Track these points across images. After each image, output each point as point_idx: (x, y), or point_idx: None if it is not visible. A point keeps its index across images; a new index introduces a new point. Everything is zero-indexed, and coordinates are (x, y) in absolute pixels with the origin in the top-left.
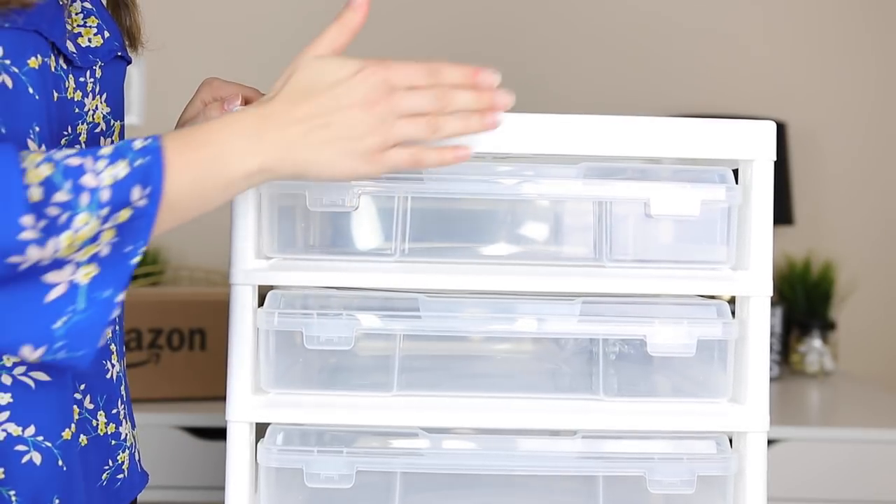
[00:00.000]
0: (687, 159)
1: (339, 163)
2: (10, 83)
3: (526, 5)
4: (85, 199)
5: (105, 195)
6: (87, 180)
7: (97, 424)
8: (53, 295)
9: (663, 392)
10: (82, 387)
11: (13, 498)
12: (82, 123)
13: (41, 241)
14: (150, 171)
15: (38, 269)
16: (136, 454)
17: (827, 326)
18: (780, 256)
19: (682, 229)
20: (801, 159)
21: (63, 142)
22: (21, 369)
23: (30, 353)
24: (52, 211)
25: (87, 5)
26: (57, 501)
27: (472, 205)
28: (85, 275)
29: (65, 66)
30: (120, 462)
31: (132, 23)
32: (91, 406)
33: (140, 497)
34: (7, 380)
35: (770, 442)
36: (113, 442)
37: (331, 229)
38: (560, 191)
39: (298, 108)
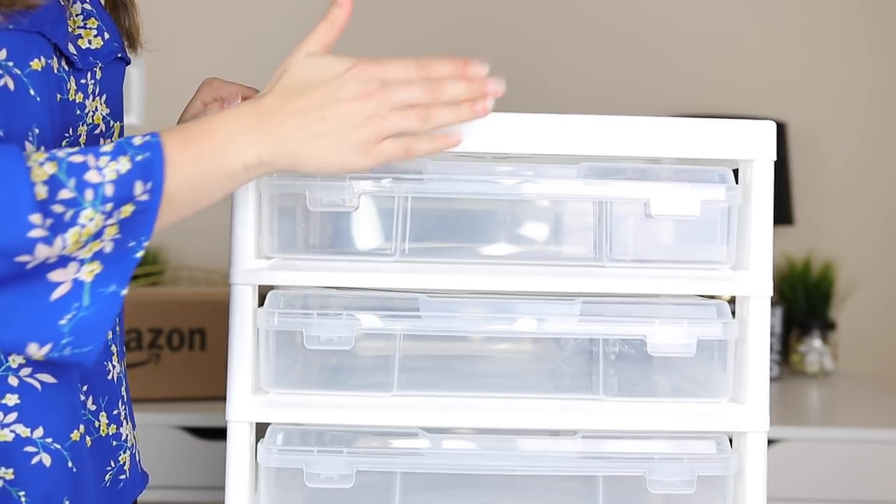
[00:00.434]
0: (687, 159)
1: (334, 155)
2: (11, 85)
3: (526, 5)
4: (89, 195)
5: (109, 190)
6: (91, 177)
7: (99, 425)
8: (58, 293)
9: (663, 392)
10: (84, 388)
11: (23, 499)
12: (83, 125)
13: (49, 239)
14: (151, 166)
15: (43, 268)
16: (137, 455)
17: (827, 326)
18: (780, 256)
19: (682, 229)
20: (801, 159)
21: (64, 143)
22: (27, 371)
23: (36, 350)
24: (58, 208)
25: (87, 7)
26: (67, 503)
27: (472, 205)
28: (89, 272)
29: (66, 68)
30: (122, 463)
31: (131, 23)
32: (93, 407)
33: (140, 497)
34: (14, 381)
35: (770, 442)
36: (114, 443)
37: (331, 229)
38: (560, 191)
39: (294, 103)
